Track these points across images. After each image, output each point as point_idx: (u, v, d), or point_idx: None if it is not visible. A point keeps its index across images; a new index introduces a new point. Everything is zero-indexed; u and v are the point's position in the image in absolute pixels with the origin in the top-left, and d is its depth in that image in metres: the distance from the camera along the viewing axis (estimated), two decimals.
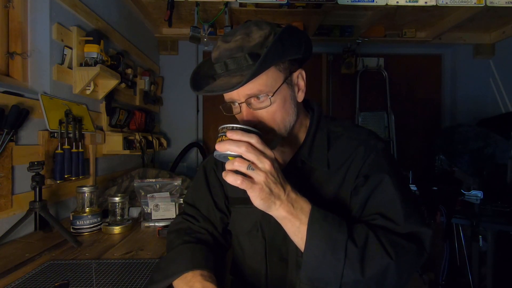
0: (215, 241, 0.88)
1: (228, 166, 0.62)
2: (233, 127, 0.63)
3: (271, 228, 0.81)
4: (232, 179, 0.60)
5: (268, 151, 0.63)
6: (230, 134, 0.62)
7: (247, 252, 0.87)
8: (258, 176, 0.61)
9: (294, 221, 0.65)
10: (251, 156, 0.60)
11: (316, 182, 0.78)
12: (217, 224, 0.90)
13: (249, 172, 0.61)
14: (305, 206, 0.66)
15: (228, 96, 0.74)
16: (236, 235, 0.90)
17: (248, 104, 0.72)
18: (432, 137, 2.75)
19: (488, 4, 2.05)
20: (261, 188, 0.61)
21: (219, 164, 0.93)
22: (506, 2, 2.06)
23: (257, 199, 0.61)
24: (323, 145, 0.80)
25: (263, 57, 0.65)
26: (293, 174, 0.78)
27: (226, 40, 0.71)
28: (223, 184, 0.92)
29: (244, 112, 0.73)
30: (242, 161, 0.61)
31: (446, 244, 1.96)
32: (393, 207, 0.70)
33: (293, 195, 0.65)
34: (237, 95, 0.71)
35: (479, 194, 1.93)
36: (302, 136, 0.82)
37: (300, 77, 0.78)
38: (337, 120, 0.87)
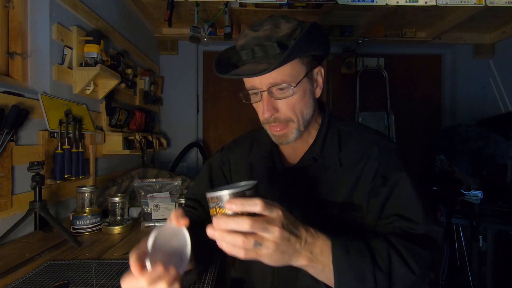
0: None
1: (227, 238, 0.52)
2: (229, 194, 0.52)
3: None
4: (234, 252, 0.52)
5: (274, 209, 0.54)
6: (229, 206, 0.52)
7: None
8: (267, 249, 0.53)
9: (316, 265, 0.61)
10: (257, 230, 0.52)
11: (328, 180, 0.79)
12: None
13: (257, 249, 0.53)
14: (325, 247, 0.61)
15: (250, 83, 0.75)
16: None
17: (270, 93, 0.73)
18: (432, 137, 2.75)
19: (488, 4, 2.05)
20: (271, 255, 0.54)
21: (226, 163, 0.94)
22: (506, 2, 2.05)
23: (268, 262, 0.56)
24: (334, 144, 0.81)
25: (293, 47, 0.66)
26: (305, 171, 0.80)
27: (255, 29, 0.72)
28: (229, 179, 0.93)
29: (264, 100, 0.74)
30: (247, 240, 0.51)
31: (446, 244, 1.96)
32: (413, 206, 0.71)
33: (310, 239, 0.59)
34: (259, 83, 0.73)
35: (479, 194, 1.93)
36: (313, 133, 0.84)
37: (319, 74, 0.80)
38: (345, 120, 0.89)
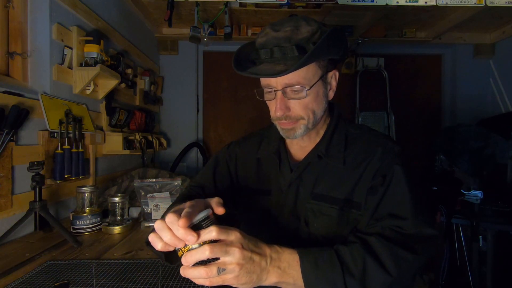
0: None
1: (192, 273, 0.54)
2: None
3: (283, 218, 0.83)
4: (202, 283, 0.55)
5: (231, 232, 0.57)
6: (189, 238, 0.54)
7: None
8: (232, 272, 0.55)
9: (287, 280, 0.62)
10: (218, 254, 0.54)
11: (332, 177, 0.80)
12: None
13: (222, 275, 0.54)
14: (292, 260, 0.62)
15: (265, 82, 0.77)
16: (246, 225, 0.91)
17: (284, 92, 0.75)
18: (432, 137, 2.75)
19: (488, 4, 2.05)
20: (237, 277, 0.55)
21: (233, 158, 0.96)
22: (506, 2, 2.05)
23: (238, 285, 0.57)
24: (340, 144, 0.83)
25: (312, 51, 0.68)
26: (310, 167, 0.82)
27: (275, 29, 0.74)
28: (234, 175, 0.95)
29: (278, 99, 0.76)
30: (209, 269, 0.53)
31: (446, 244, 1.96)
32: (405, 206, 0.72)
33: (274, 255, 0.61)
34: (275, 82, 0.75)
35: (479, 194, 1.93)
36: (321, 133, 0.86)
37: (333, 77, 0.82)
38: (354, 123, 0.92)
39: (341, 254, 0.65)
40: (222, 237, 0.55)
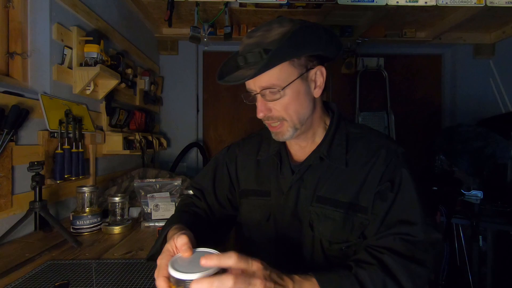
0: (209, 220, 0.93)
1: None
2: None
3: (284, 221, 0.83)
4: None
5: (253, 262, 0.54)
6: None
7: (259, 243, 0.89)
8: None
9: None
10: (241, 282, 0.50)
11: (334, 180, 0.80)
12: (216, 212, 0.95)
13: None
14: (313, 286, 0.61)
15: (248, 86, 0.80)
16: (247, 226, 0.91)
17: (262, 95, 0.77)
18: (432, 137, 2.75)
19: (488, 4, 2.05)
20: None
21: (233, 160, 0.97)
22: (506, 2, 2.05)
23: None
24: (342, 145, 0.83)
25: (270, 54, 0.70)
26: (312, 170, 0.82)
27: (250, 36, 0.77)
28: (234, 177, 0.96)
29: (258, 102, 0.79)
30: None
31: (446, 244, 1.96)
32: (414, 212, 0.72)
33: (297, 285, 0.59)
34: (253, 86, 0.77)
35: (479, 194, 1.93)
36: (321, 134, 0.86)
37: (318, 74, 0.81)
38: (355, 122, 0.92)
39: (362, 280, 0.64)
40: (243, 266, 0.52)
